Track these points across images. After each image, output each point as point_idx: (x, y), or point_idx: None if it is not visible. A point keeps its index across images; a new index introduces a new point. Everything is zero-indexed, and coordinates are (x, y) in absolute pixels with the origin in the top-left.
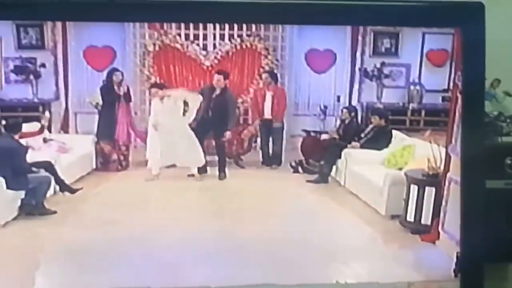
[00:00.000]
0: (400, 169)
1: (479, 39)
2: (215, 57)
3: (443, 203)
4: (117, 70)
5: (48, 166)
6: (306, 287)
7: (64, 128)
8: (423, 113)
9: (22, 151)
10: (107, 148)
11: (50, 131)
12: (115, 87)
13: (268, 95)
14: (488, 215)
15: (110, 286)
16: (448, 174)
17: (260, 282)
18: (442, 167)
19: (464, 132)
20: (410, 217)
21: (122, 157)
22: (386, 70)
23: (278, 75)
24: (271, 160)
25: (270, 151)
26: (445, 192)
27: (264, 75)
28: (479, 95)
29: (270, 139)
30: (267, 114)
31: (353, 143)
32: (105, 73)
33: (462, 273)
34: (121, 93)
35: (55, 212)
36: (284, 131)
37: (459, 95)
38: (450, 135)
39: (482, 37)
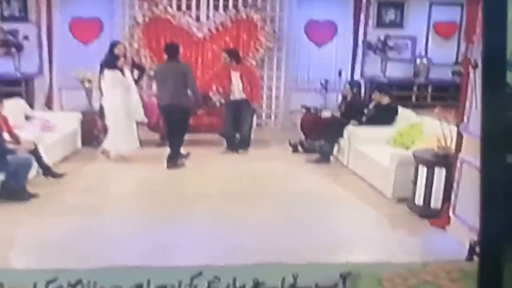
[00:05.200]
0: (407, 148)
1: (500, 5)
2: (209, 29)
3: (455, 185)
4: (119, 42)
5: (31, 149)
6: (316, 266)
7: (49, 105)
8: (430, 88)
9: None
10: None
11: (32, 108)
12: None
13: (235, 75)
14: (509, 191)
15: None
16: (460, 155)
17: (262, 261)
18: (453, 147)
19: (484, 104)
20: (419, 201)
21: None
22: (390, 43)
23: (276, 49)
24: (239, 144)
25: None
26: (457, 174)
27: (223, 55)
28: (500, 65)
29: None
30: (238, 95)
31: (352, 122)
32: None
33: (481, 253)
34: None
35: (36, 196)
36: (253, 112)
37: (471, 70)
38: (462, 113)
39: (504, 2)
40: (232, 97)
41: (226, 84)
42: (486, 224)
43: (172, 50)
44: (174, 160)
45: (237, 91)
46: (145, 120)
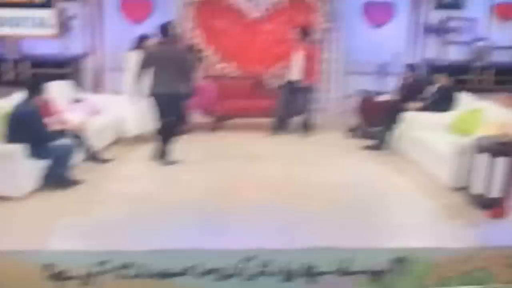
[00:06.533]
0: (468, 135)
1: None
2: (265, 9)
3: None
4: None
5: (77, 134)
6: (370, 250)
7: (98, 87)
8: (490, 71)
9: (39, 116)
10: None
11: (81, 90)
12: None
13: (298, 54)
14: None
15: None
16: None
17: (317, 245)
18: None
19: None
20: (478, 190)
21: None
22: (450, 24)
23: (332, 30)
24: (301, 128)
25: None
26: None
27: (294, 30)
28: None
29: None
30: (295, 75)
31: (414, 103)
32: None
33: None
34: None
35: (82, 182)
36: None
37: None
38: None
39: None
40: (289, 78)
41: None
42: None
43: (167, 30)
44: (163, 153)
45: (296, 72)
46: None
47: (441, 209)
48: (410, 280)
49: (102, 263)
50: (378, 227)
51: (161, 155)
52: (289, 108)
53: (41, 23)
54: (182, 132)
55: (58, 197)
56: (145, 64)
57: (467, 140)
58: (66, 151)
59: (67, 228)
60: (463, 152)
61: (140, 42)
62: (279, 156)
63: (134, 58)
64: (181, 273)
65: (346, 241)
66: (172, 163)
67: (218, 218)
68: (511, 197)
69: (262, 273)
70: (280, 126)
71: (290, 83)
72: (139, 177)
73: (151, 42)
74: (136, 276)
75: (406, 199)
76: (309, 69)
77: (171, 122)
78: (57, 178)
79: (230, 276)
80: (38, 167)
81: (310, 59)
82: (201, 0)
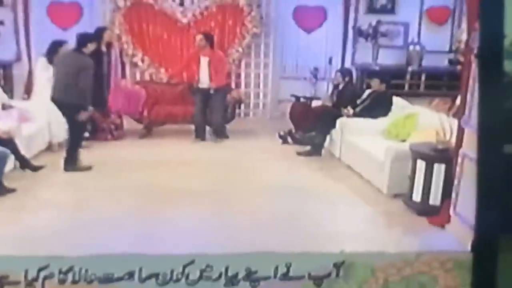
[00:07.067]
0: (403, 140)
1: None
2: (193, 14)
3: (455, 182)
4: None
5: (6, 141)
6: (310, 255)
7: (28, 93)
8: (423, 76)
9: None
10: (97, 116)
11: (12, 96)
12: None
13: (204, 61)
14: (508, 181)
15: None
16: (461, 150)
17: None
18: (452, 140)
19: (481, 93)
20: (416, 197)
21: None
22: (382, 29)
23: (263, 35)
24: (213, 134)
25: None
26: (458, 169)
27: (198, 37)
28: (497, 54)
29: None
30: (204, 83)
31: (348, 109)
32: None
33: (476, 243)
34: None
35: (14, 190)
36: (225, 100)
37: (472, 59)
38: (463, 106)
39: None
40: (199, 85)
41: (195, 70)
42: (482, 215)
43: (79, 39)
44: (71, 162)
45: (204, 79)
46: None
47: (380, 215)
48: (352, 285)
49: (42, 268)
50: (316, 233)
51: (67, 162)
52: (206, 114)
53: None
54: (117, 138)
55: None
56: (53, 71)
57: (402, 146)
58: None
59: (3, 235)
60: (398, 159)
61: (53, 48)
62: (213, 162)
63: (43, 65)
64: (122, 278)
65: (285, 246)
66: (80, 169)
67: (154, 224)
68: (451, 204)
69: (203, 278)
70: (202, 132)
71: (202, 89)
72: (72, 184)
73: (64, 49)
74: (77, 281)
75: (344, 206)
76: (214, 74)
77: (72, 129)
78: None
79: (171, 281)
80: None
81: (214, 64)
82: (130, 5)
